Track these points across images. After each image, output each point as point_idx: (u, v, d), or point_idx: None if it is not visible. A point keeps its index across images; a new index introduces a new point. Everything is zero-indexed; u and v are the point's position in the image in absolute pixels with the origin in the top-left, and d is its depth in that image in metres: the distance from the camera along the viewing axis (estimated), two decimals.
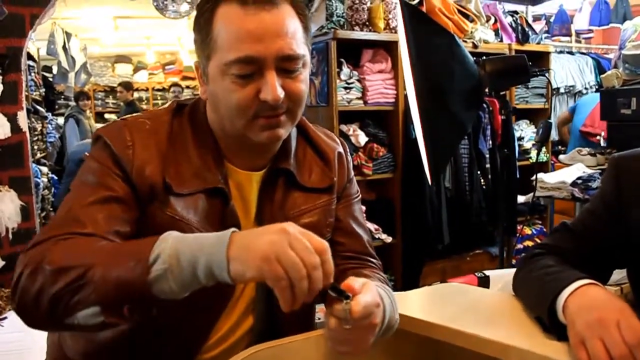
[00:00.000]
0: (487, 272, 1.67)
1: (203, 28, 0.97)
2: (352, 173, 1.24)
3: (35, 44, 5.19)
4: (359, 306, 0.81)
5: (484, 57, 2.25)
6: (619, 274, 1.61)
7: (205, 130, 1.06)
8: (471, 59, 2.19)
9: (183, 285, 0.79)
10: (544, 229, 4.31)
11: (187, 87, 9.42)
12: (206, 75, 1.00)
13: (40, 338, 1.24)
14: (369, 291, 0.84)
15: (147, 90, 9.59)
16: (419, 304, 1.19)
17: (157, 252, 0.79)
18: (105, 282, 0.79)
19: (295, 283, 0.75)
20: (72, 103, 7.01)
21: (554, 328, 0.93)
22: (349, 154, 1.23)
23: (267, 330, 1.09)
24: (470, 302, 1.16)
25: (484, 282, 1.63)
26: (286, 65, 0.95)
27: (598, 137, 4.09)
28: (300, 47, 0.96)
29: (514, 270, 1.19)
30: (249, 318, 1.09)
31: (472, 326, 0.99)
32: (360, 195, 1.25)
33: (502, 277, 1.60)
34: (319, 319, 1.29)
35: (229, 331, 1.07)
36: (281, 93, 0.94)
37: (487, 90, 2.25)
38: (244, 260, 0.76)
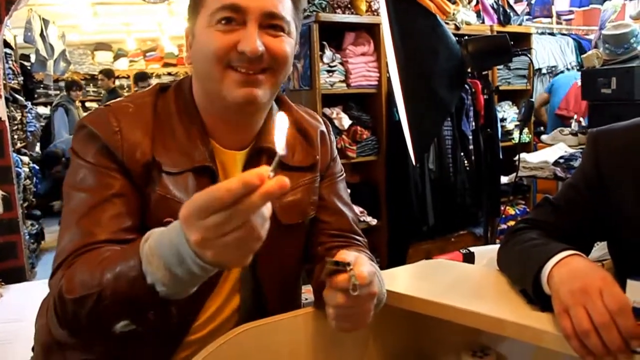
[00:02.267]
0: (471, 249, 1.69)
1: None
2: (336, 152, 1.24)
3: (11, 31, 5.08)
4: (364, 271, 0.83)
5: (466, 38, 2.25)
6: (599, 251, 1.64)
7: (191, 107, 1.06)
8: (454, 39, 2.19)
9: (191, 286, 0.80)
10: (527, 209, 4.35)
11: (169, 73, 9.32)
12: (193, 35, 1.02)
13: (27, 329, 1.24)
14: (363, 260, 0.87)
15: (128, 77, 9.46)
16: (406, 280, 1.20)
17: (150, 279, 0.76)
18: (118, 303, 0.81)
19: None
20: (52, 92, 6.90)
21: (539, 299, 0.94)
22: (332, 132, 1.23)
23: (254, 309, 1.10)
24: (456, 278, 1.17)
25: (469, 259, 1.64)
26: (269, 22, 0.97)
27: (571, 121, 4.12)
28: (287, 12, 0.99)
29: (498, 246, 1.21)
30: (236, 297, 1.10)
31: (459, 300, 1.00)
32: (345, 174, 1.26)
33: (487, 253, 1.61)
34: (306, 299, 1.29)
35: (217, 311, 1.08)
36: (260, 46, 0.95)
37: (469, 70, 2.26)
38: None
